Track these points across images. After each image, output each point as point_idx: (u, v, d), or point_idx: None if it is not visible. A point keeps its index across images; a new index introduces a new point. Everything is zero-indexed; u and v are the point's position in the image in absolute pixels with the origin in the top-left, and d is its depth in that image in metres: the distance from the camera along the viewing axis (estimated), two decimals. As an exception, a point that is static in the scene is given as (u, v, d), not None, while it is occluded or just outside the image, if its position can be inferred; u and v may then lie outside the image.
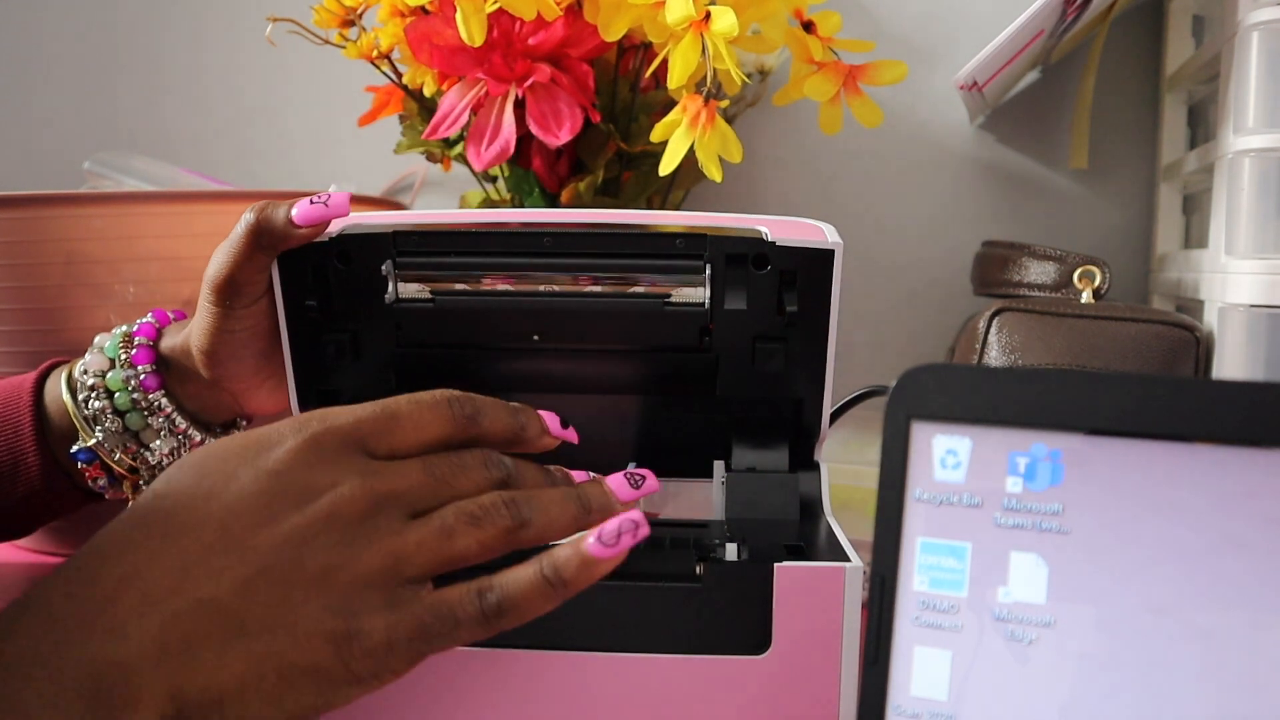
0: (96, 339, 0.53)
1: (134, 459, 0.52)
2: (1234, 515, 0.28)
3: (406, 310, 0.47)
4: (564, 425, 0.41)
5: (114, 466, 0.52)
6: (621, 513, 0.35)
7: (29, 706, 0.29)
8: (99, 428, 0.51)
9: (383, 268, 0.46)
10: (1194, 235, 0.74)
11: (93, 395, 0.51)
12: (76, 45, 0.98)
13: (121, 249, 0.63)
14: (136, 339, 0.52)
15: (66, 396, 0.52)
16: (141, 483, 0.53)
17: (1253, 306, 0.56)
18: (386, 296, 0.46)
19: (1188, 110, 0.75)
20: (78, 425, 0.52)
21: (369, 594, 0.32)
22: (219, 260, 0.47)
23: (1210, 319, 0.61)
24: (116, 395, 0.51)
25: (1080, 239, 0.82)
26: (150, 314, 0.53)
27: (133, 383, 0.51)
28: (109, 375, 0.51)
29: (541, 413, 0.40)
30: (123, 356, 0.51)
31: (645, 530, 0.34)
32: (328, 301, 0.48)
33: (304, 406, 0.50)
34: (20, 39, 0.99)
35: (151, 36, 0.97)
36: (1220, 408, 0.29)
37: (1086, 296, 0.63)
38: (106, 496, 0.54)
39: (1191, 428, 0.29)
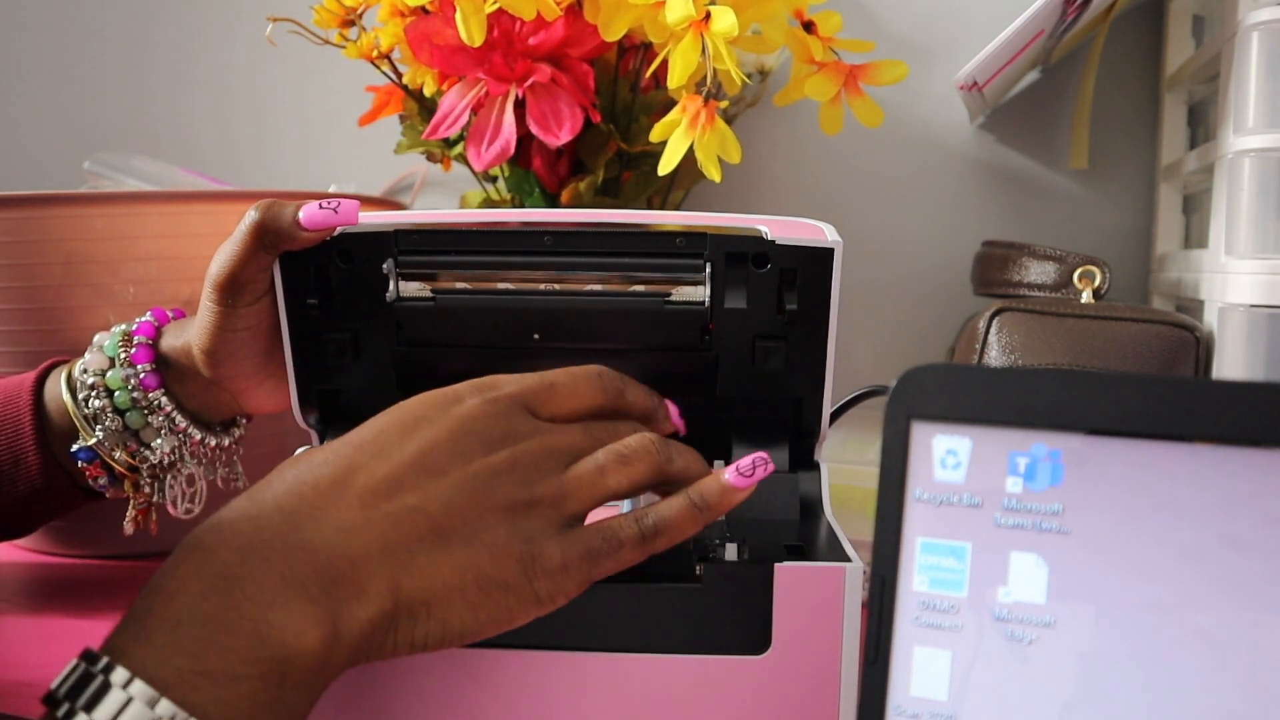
0: (96, 338, 0.53)
1: (134, 458, 0.52)
2: (1234, 515, 0.28)
3: (407, 309, 0.47)
4: (680, 415, 0.46)
5: (114, 465, 0.52)
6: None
7: (269, 586, 0.31)
8: (99, 427, 0.51)
9: (384, 266, 0.46)
10: (1194, 235, 0.74)
11: (93, 394, 0.51)
12: (77, 46, 0.98)
13: (121, 249, 0.63)
14: (136, 338, 0.52)
15: (66, 396, 0.52)
16: (141, 482, 0.54)
17: (1253, 306, 0.56)
18: (387, 295, 0.46)
19: (1188, 110, 0.75)
20: (78, 424, 0.52)
21: (544, 525, 0.37)
22: (221, 258, 0.47)
23: (1210, 319, 0.61)
24: (116, 394, 0.51)
25: (1080, 239, 0.82)
26: (149, 313, 0.53)
27: (132, 381, 0.51)
28: (109, 374, 0.51)
29: (668, 402, 0.45)
30: (122, 355, 0.51)
31: (773, 466, 0.40)
32: (329, 300, 0.48)
33: (304, 405, 0.50)
34: (20, 39, 0.99)
35: (151, 37, 0.97)
36: (1220, 408, 0.29)
37: (1086, 296, 0.63)
38: (107, 495, 0.54)
39: (1191, 428, 0.29)
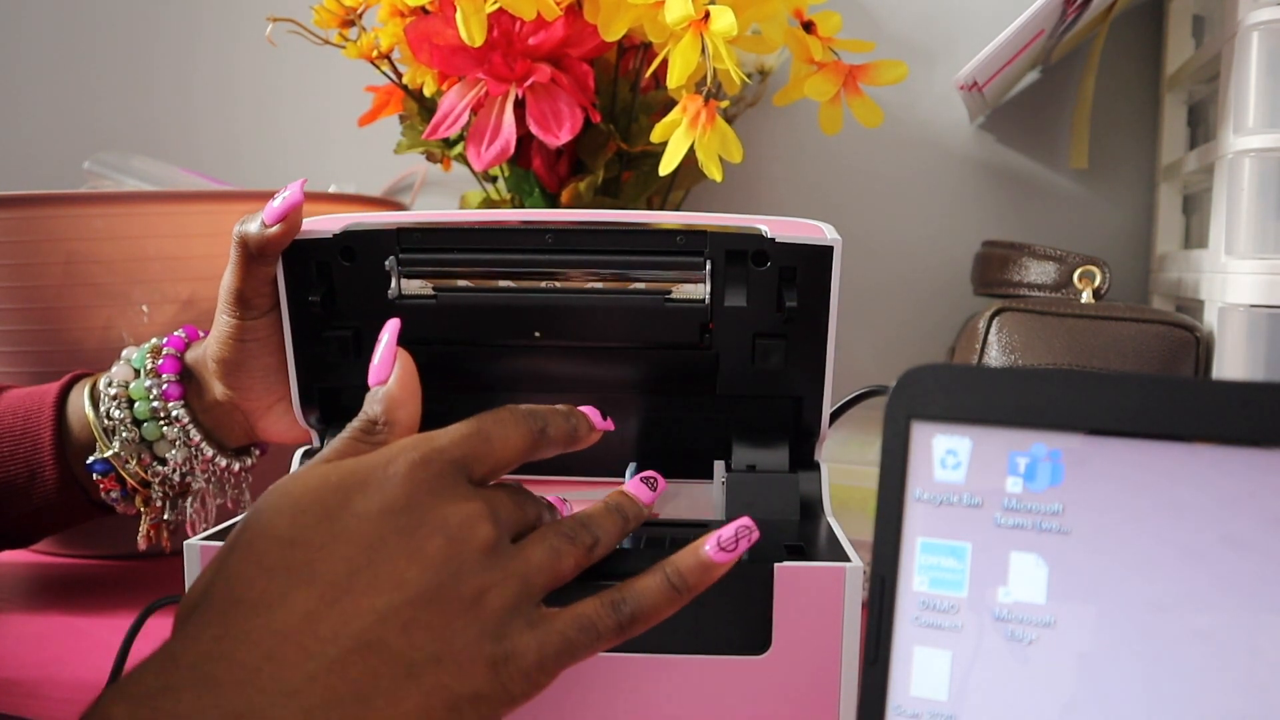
0: (124, 352, 0.54)
1: (146, 471, 0.53)
2: (1234, 515, 0.28)
3: (409, 306, 0.47)
4: (603, 417, 0.42)
5: (127, 479, 0.53)
6: (647, 515, 0.39)
7: None
8: (116, 438, 0.52)
9: (386, 264, 0.46)
10: (1194, 235, 0.74)
11: (114, 405, 0.52)
12: (77, 46, 0.98)
13: (121, 249, 0.63)
14: (165, 349, 0.53)
15: (89, 409, 0.53)
16: (153, 496, 0.54)
17: (1253, 306, 0.56)
18: (389, 293, 0.46)
19: (1188, 110, 0.75)
20: (97, 436, 0.52)
21: (514, 617, 0.33)
22: (225, 275, 0.48)
23: (1210, 319, 0.61)
24: (137, 404, 0.52)
25: (1080, 239, 0.82)
26: (182, 329, 0.55)
27: (154, 392, 0.52)
28: (132, 385, 0.52)
29: (583, 409, 0.41)
30: (149, 365, 0.52)
31: (757, 535, 0.37)
32: (331, 298, 0.48)
33: (305, 404, 0.50)
34: (20, 39, 0.99)
35: (151, 37, 0.97)
36: (1220, 408, 0.28)
37: (1086, 296, 0.63)
38: (117, 510, 0.55)
39: (1191, 428, 0.29)
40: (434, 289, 0.47)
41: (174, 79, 0.97)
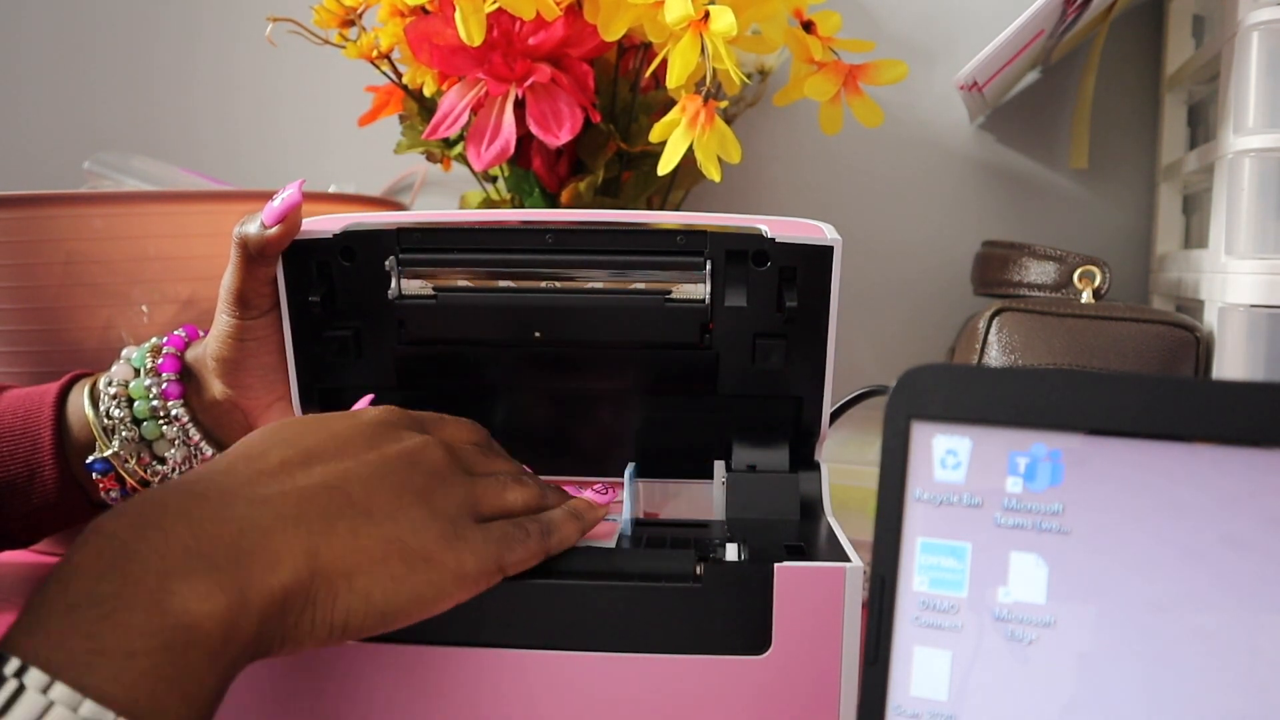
0: (124, 351, 0.54)
1: (146, 470, 0.53)
2: (1234, 515, 0.28)
3: (409, 307, 0.47)
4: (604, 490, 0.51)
5: (127, 478, 0.53)
6: (604, 515, 0.45)
7: (170, 556, 0.31)
8: (116, 437, 0.52)
9: (386, 264, 0.46)
10: (1194, 235, 0.74)
11: (114, 404, 0.52)
12: (77, 46, 0.98)
13: (121, 249, 0.63)
14: (165, 349, 0.53)
15: (88, 408, 0.53)
16: None
17: (1253, 306, 0.56)
18: (389, 293, 0.46)
19: (1188, 110, 0.75)
20: (97, 435, 0.52)
21: (460, 513, 0.39)
22: (225, 275, 0.48)
23: (1210, 319, 0.61)
24: (136, 403, 0.52)
25: (1080, 239, 0.82)
26: (182, 328, 0.55)
27: (154, 391, 0.52)
28: (132, 384, 0.52)
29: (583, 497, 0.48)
30: (149, 364, 0.52)
31: (613, 493, 0.49)
32: (331, 298, 0.48)
33: (305, 404, 0.50)
34: (21, 39, 0.99)
35: (151, 37, 0.97)
36: (1220, 408, 0.29)
37: (1086, 296, 0.63)
38: None
39: (1191, 428, 0.29)
40: (434, 289, 0.47)
41: (174, 79, 0.97)
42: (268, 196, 0.47)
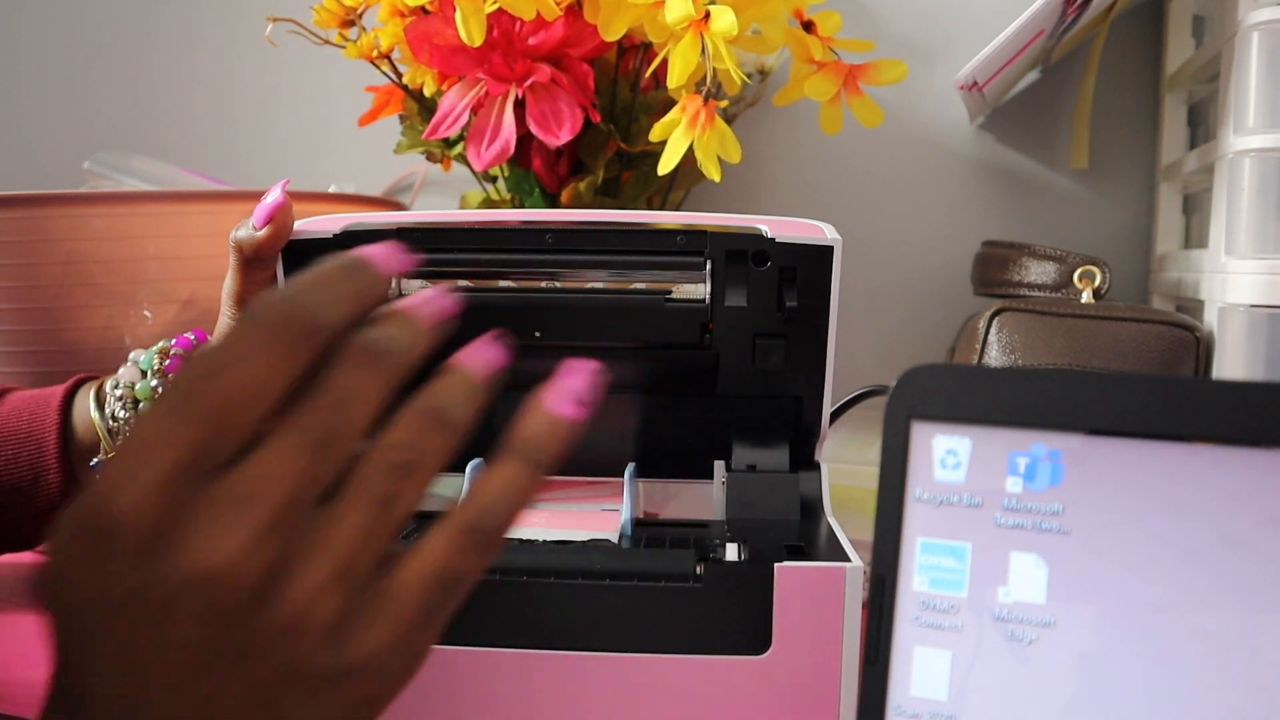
0: (132, 354, 0.54)
1: None
2: (1234, 515, 0.28)
3: None
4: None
5: None
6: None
7: None
8: (120, 439, 0.52)
9: None
10: (1194, 235, 0.74)
11: (120, 406, 0.52)
12: (77, 46, 0.98)
13: (121, 249, 0.63)
14: (173, 350, 0.53)
15: (94, 411, 0.53)
16: None
17: (1253, 306, 0.56)
18: (389, 293, 0.46)
19: (1188, 110, 0.75)
20: (101, 438, 0.53)
21: (341, 635, 0.26)
22: (227, 278, 0.48)
23: (1210, 319, 0.61)
24: (142, 405, 0.52)
25: (1080, 239, 0.82)
26: (192, 332, 0.55)
27: (159, 392, 0.52)
28: (138, 386, 0.52)
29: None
30: (156, 365, 0.53)
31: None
32: None
33: (304, 406, 0.50)
34: (21, 39, 0.99)
35: (151, 37, 0.97)
36: (1220, 408, 0.29)
37: (1086, 296, 0.63)
38: None
39: (1191, 428, 0.29)
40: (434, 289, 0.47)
41: (174, 79, 0.97)
42: (266, 197, 0.47)
